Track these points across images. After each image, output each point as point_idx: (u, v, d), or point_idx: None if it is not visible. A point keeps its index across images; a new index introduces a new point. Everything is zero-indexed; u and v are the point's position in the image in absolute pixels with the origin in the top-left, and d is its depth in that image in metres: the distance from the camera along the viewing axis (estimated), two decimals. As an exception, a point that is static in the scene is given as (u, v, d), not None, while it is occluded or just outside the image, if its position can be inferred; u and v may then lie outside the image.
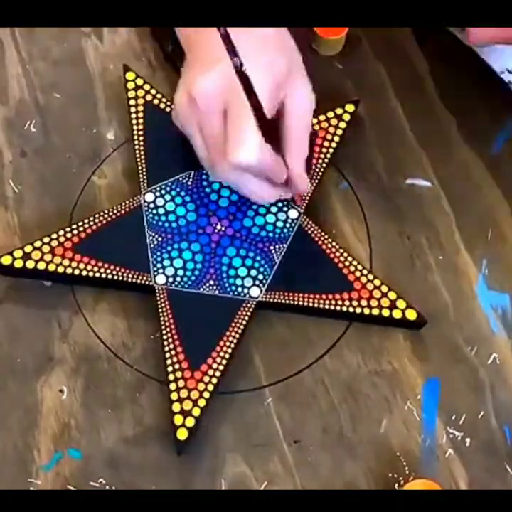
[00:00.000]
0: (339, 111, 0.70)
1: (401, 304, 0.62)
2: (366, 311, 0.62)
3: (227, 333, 0.61)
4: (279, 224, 0.65)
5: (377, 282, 0.63)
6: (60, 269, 0.62)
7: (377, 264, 0.66)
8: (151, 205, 0.65)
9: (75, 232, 0.64)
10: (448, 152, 0.71)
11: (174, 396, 0.59)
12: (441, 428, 0.61)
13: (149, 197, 0.65)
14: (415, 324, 0.63)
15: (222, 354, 0.60)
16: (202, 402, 0.58)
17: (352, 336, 0.64)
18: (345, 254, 0.64)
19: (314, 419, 0.61)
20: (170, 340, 0.60)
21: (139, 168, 0.67)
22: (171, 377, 0.59)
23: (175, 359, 0.60)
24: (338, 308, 0.62)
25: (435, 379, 0.62)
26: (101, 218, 0.64)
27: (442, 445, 0.60)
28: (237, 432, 0.60)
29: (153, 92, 0.70)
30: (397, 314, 0.62)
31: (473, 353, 0.63)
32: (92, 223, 0.64)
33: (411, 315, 0.62)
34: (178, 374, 0.59)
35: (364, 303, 0.62)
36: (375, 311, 0.62)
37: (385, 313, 0.62)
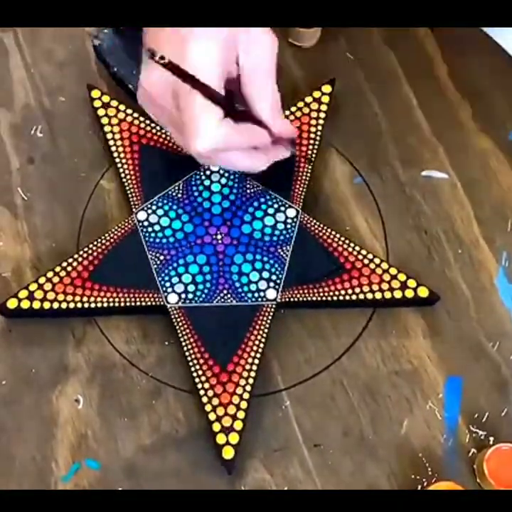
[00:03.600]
0: (317, 94, 0.69)
1: (411, 283, 0.62)
2: (378, 295, 0.61)
3: (252, 340, 0.60)
4: (280, 226, 0.64)
5: (384, 265, 0.62)
6: (63, 306, 0.60)
7: (395, 260, 0.65)
8: (146, 224, 0.63)
9: (75, 264, 0.61)
10: (464, 141, 0.70)
11: (212, 416, 0.57)
12: (464, 427, 0.59)
13: (142, 215, 0.64)
14: (429, 301, 0.62)
15: (251, 361, 0.59)
16: (241, 414, 0.57)
17: (370, 335, 0.62)
18: (350, 243, 0.63)
19: (334, 422, 0.60)
20: (195, 360, 0.59)
21: (128, 188, 0.65)
22: (204, 399, 0.58)
23: (203, 378, 0.58)
24: (353, 297, 0.61)
25: (457, 377, 0.61)
26: (99, 245, 0.62)
27: (465, 445, 0.59)
28: (255, 437, 0.59)
29: (121, 107, 0.67)
30: (408, 294, 0.61)
31: (495, 349, 0.62)
32: (90, 252, 0.62)
33: (423, 292, 0.62)
34: (210, 393, 0.58)
35: (375, 287, 0.62)
36: (388, 294, 0.61)
37: (397, 294, 0.61)
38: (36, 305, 0.61)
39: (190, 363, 0.59)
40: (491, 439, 0.59)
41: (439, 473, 0.58)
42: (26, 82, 0.72)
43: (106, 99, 0.68)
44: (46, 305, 0.61)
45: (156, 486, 0.58)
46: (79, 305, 0.61)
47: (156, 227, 0.63)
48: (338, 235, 0.63)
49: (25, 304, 0.61)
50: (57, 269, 0.62)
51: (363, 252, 0.63)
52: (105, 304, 0.61)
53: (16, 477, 0.58)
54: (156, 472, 0.58)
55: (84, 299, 0.61)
